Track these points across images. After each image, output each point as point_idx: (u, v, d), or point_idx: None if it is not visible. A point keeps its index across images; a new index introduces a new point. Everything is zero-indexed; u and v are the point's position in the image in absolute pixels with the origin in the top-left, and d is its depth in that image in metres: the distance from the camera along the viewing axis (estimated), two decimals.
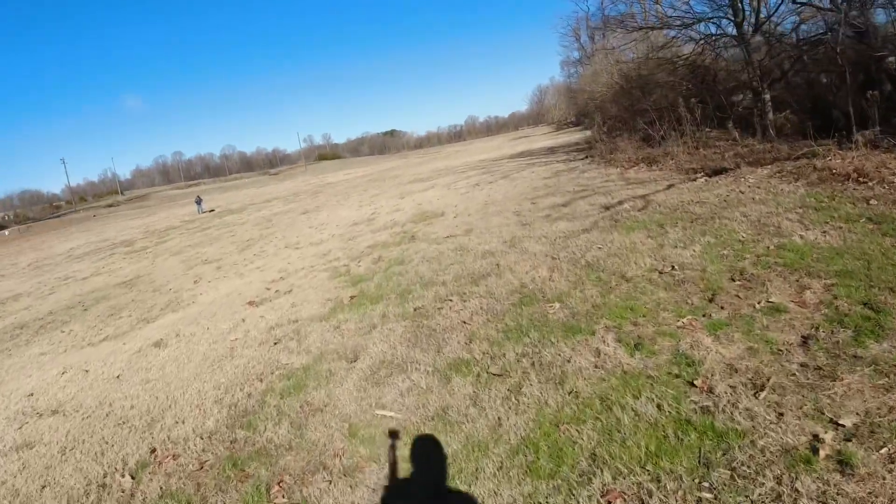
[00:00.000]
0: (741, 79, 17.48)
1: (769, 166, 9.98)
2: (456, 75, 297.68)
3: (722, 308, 4.65)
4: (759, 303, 4.60)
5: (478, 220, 10.89)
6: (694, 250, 6.18)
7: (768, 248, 5.84)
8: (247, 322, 7.37)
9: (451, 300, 6.26)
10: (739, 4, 16.22)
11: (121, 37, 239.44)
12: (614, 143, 17.37)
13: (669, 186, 10.05)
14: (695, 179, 10.20)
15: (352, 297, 7.34)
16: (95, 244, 27.65)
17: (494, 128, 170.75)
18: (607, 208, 9.31)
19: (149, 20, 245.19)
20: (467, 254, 8.29)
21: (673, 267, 5.79)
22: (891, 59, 13.39)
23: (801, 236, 6.00)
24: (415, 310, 6.24)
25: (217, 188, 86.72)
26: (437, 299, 6.43)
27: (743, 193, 8.43)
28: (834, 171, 8.51)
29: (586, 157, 18.81)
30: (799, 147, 11.22)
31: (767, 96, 15.74)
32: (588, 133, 36.72)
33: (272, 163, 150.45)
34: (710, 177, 10.15)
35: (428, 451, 3.53)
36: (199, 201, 39.70)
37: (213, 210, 37.87)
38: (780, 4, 15.87)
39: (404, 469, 3.46)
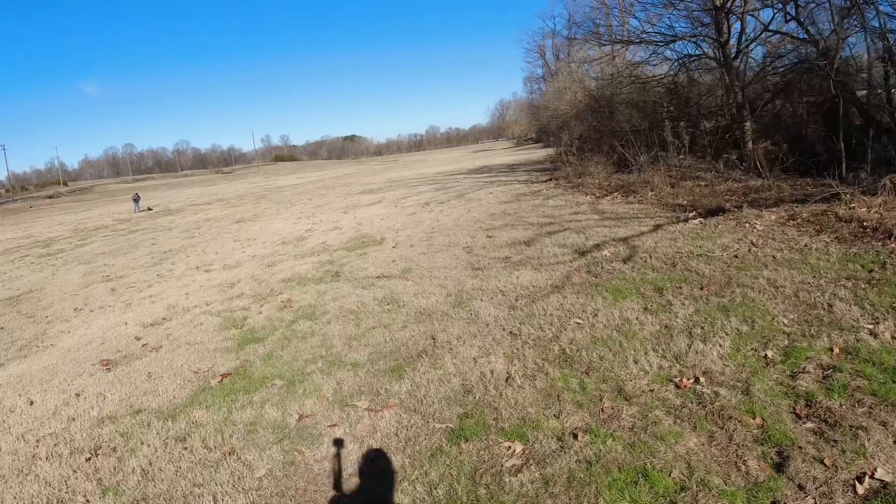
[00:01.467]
0: (714, 104, 15.98)
1: (774, 209, 8.16)
2: (419, 84, 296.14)
3: (801, 490, 2.59)
4: (858, 480, 2.57)
5: (420, 256, 8.69)
6: (721, 346, 4.13)
7: (832, 351, 3.84)
8: (80, 400, 5.00)
9: (354, 406, 4.02)
10: (725, 24, 14.66)
11: (79, 20, 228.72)
12: (583, 165, 15.49)
13: (656, 227, 8.08)
14: (686, 220, 8.27)
15: (224, 377, 5.01)
16: (17, 241, 24.82)
17: (455, 139, 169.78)
18: (582, 253, 7.25)
19: (109, 4, 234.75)
20: (398, 311, 6.07)
21: (697, 379, 3.71)
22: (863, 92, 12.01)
23: (873, 332, 4.03)
24: (298, 419, 3.98)
25: (164, 184, 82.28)
26: (335, 401, 4.17)
27: (757, 247, 6.50)
28: (865, 223, 6.69)
29: (550, 178, 16.89)
30: (800, 186, 9.51)
31: (748, 125, 14.18)
32: (550, 151, 35.19)
33: (227, 161, 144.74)
34: (704, 218, 8.25)
35: None
36: (136, 199, 36.79)
37: (150, 209, 35.16)
38: (765, 28, 14.36)
39: None
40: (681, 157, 13.41)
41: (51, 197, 73.89)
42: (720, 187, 10.29)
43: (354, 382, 4.43)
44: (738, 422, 3.21)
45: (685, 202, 9.48)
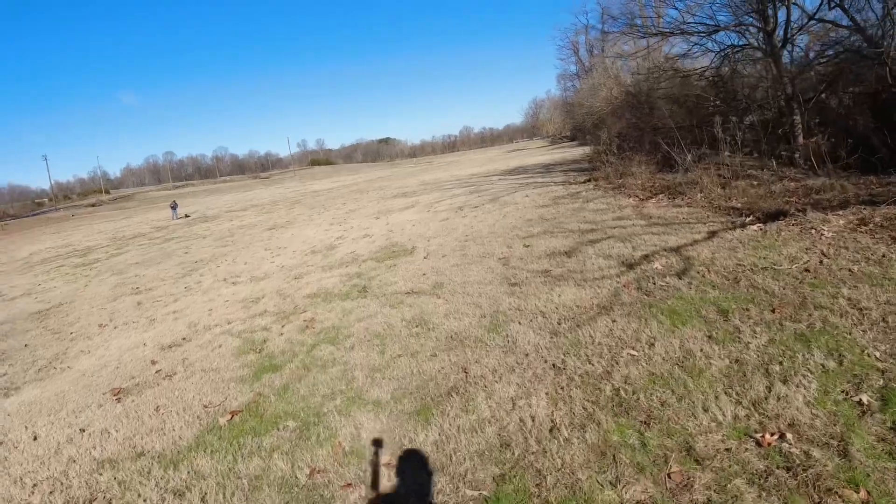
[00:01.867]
0: (759, 97, 14.91)
1: (841, 212, 7.30)
2: (452, 85, 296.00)
3: None
4: None
5: (452, 268, 8.11)
6: (807, 388, 3.43)
7: None
8: (84, 437, 4.66)
9: (372, 461, 3.47)
10: (770, 11, 13.65)
11: (117, 32, 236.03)
12: (624, 165, 14.67)
13: (711, 235, 7.31)
14: (744, 226, 7.48)
15: (234, 414, 4.54)
16: (56, 250, 25.45)
17: (489, 139, 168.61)
18: (630, 266, 6.55)
19: (145, 16, 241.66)
20: (427, 335, 5.51)
21: (782, 434, 3.04)
22: None
23: None
24: (309, 475, 3.45)
25: (203, 191, 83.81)
26: (352, 451, 3.63)
27: (829, 259, 5.71)
28: None
29: (589, 179, 16.08)
30: (864, 185, 8.60)
31: (797, 118, 13.16)
32: (587, 150, 34.18)
33: (264, 167, 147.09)
34: (764, 223, 7.44)
35: None
36: (174, 206, 37.45)
37: (187, 216, 35.67)
38: (811, 17, 13.31)
39: None
40: (730, 154, 12.49)
41: (93, 205, 76.06)
42: (776, 187, 9.41)
43: (375, 427, 3.89)
44: (839, 497, 2.54)
45: (739, 205, 8.65)
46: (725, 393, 3.51)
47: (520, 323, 5.36)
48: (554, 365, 4.35)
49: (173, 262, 15.21)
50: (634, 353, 4.27)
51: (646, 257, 6.76)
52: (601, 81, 33.77)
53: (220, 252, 15.66)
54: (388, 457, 3.49)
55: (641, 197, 10.99)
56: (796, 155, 12.39)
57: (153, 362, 6.44)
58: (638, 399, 3.61)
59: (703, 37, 15.21)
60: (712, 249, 6.61)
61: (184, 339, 7.24)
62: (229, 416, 4.50)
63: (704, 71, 15.74)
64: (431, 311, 6.25)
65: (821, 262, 5.68)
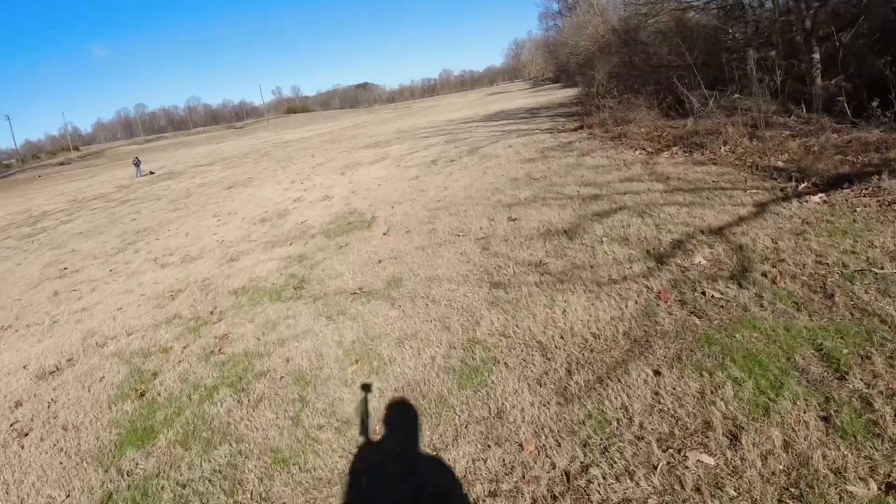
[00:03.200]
0: (772, 31, 12.77)
1: None
2: (431, 26, 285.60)
3: None
4: None
5: (416, 252, 6.17)
6: None
7: None
8: None
9: None
10: None
11: None
12: (623, 110, 12.57)
13: (760, 209, 5.40)
14: (799, 196, 5.58)
15: None
16: (12, 217, 23.29)
17: (469, 82, 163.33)
18: (659, 260, 4.65)
19: None
20: (366, 386, 3.64)
21: None
22: None
23: None
24: None
25: (175, 143, 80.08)
26: None
27: None
28: None
29: (581, 126, 13.92)
30: None
31: (817, 56, 11.14)
32: (572, 92, 31.72)
33: (239, 116, 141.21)
34: (825, 192, 5.57)
35: None
36: (137, 163, 35.15)
37: (152, 173, 33.50)
38: None
39: None
40: (760, 97, 10.46)
41: (61, 164, 72.32)
42: (818, 139, 7.49)
43: None
44: None
45: (782, 163, 6.74)
46: None
47: (507, 366, 3.48)
48: (569, 476, 2.50)
49: (116, 231, 13.30)
50: (709, 459, 2.43)
51: (678, 244, 4.86)
52: (586, 19, 31.32)
53: (168, 218, 13.75)
54: None
55: (650, 150, 9.02)
56: (813, 100, 10.42)
57: (17, 405, 4.58)
58: None
59: None
60: (770, 233, 4.73)
61: (69, 360, 5.37)
62: None
63: (710, 1, 13.51)
64: (380, 332, 4.35)
65: None
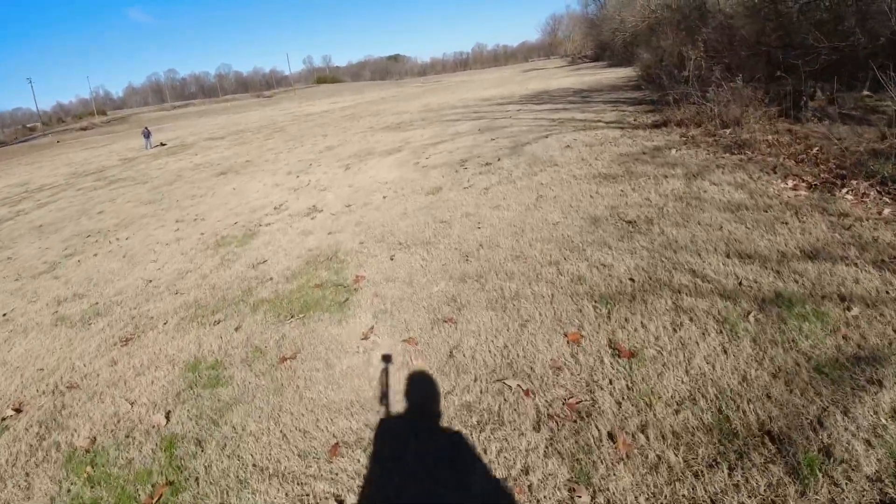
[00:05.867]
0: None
1: None
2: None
3: None
4: None
5: (413, 427, 2.85)
6: None
7: None
8: None
9: None
10: None
11: None
12: (724, 105, 8.82)
13: None
14: None
15: None
16: (8, 189, 21.48)
17: (502, 58, 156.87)
18: None
19: None
20: None
21: None
22: None
23: None
24: None
25: (198, 111, 77.41)
26: None
27: None
28: None
29: (664, 122, 10.21)
30: None
31: None
32: (623, 73, 27.55)
33: (269, 84, 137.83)
34: None
35: None
36: (147, 134, 32.70)
37: (163, 144, 31.40)
38: None
39: None
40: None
41: (84, 129, 70.11)
42: None
43: None
44: None
45: None
46: None
47: None
48: None
49: (68, 232, 10.68)
50: None
51: None
52: None
53: (130, 217, 11.07)
54: None
55: (810, 180, 5.42)
56: None
57: None
58: None
59: None
60: None
61: None
62: None
63: None
64: None
65: None
